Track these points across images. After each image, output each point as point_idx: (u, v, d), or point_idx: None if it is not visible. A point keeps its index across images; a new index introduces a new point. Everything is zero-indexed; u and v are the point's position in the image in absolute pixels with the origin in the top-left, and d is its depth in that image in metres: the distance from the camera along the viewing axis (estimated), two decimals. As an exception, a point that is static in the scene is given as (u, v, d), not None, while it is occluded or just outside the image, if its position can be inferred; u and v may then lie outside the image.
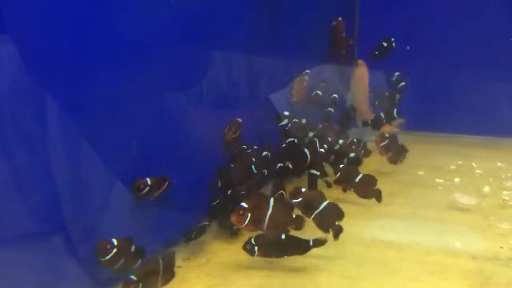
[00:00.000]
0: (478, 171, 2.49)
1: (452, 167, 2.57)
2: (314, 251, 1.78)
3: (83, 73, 1.35)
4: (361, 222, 2.01)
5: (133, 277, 1.37)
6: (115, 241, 1.39)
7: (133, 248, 1.45)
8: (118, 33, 1.46)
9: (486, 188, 2.25)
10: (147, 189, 1.56)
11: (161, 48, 1.65)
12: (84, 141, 1.39)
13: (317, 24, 2.84)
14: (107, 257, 1.36)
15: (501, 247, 1.77)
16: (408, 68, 3.01)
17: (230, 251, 1.78)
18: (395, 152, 2.52)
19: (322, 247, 1.76)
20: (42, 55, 1.25)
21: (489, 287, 1.54)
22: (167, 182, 1.63)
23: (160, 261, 1.46)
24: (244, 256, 1.65)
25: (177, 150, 1.77)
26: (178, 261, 1.64)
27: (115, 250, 1.38)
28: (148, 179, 1.57)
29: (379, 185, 2.14)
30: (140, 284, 1.36)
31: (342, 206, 2.09)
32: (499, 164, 2.55)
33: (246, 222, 1.62)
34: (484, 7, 2.93)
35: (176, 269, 1.55)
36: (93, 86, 1.39)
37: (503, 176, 2.40)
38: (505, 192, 2.22)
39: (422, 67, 3.03)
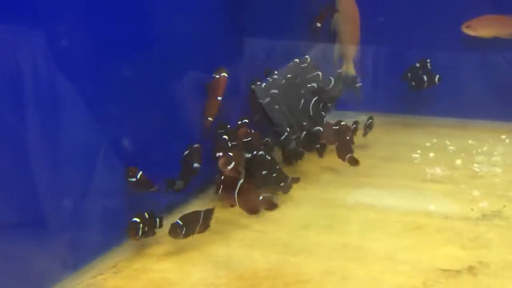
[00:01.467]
0: (451, 147, 2.68)
1: (428, 144, 2.75)
2: (305, 211, 1.97)
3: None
4: (344, 190, 2.18)
5: (180, 222, 1.61)
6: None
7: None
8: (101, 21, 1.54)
9: (458, 162, 2.45)
10: (135, 178, 1.65)
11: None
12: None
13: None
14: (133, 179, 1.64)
15: (472, 209, 1.95)
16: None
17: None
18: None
19: (307, 210, 1.96)
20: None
21: (460, 240, 1.72)
22: (154, 188, 1.73)
23: (202, 214, 1.69)
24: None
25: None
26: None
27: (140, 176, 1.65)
28: (141, 172, 1.66)
29: (360, 160, 2.33)
30: (184, 228, 1.60)
31: (328, 175, 2.28)
32: (470, 141, 2.75)
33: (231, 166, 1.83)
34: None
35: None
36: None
37: (474, 151, 2.60)
38: (475, 165, 2.41)
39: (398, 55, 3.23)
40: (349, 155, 2.30)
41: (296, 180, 2.16)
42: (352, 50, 2.91)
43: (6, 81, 1.25)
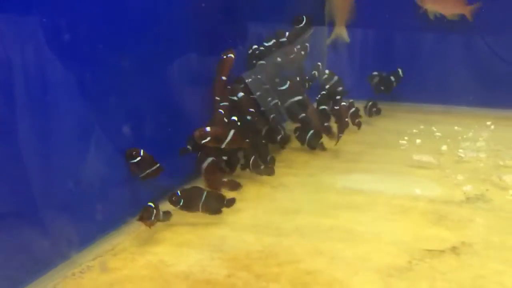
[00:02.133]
0: (437, 133, 2.76)
1: (415, 130, 2.82)
2: (296, 196, 2.04)
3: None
4: (334, 175, 2.25)
5: (179, 193, 1.73)
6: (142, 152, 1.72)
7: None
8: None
9: (444, 147, 2.52)
10: (138, 158, 1.71)
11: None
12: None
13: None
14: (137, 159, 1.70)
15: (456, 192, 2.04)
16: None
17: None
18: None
19: (298, 194, 2.03)
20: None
21: (444, 222, 1.80)
22: (158, 165, 1.78)
23: (204, 193, 1.76)
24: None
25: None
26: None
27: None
28: (142, 151, 1.73)
29: (348, 146, 2.49)
30: (182, 200, 1.70)
31: (318, 162, 2.35)
32: (456, 128, 2.83)
33: (207, 139, 1.91)
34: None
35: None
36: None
37: (459, 138, 2.68)
38: (460, 150, 2.49)
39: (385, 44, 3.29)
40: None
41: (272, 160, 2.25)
42: (344, 13, 2.85)
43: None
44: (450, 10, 2.95)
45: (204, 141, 1.92)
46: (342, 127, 2.50)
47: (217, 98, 2.16)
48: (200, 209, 1.76)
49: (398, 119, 3.12)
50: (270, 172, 2.17)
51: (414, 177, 2.22)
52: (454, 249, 1.61)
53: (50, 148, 1.45)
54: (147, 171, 1.76)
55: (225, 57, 2.18)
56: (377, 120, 3.05)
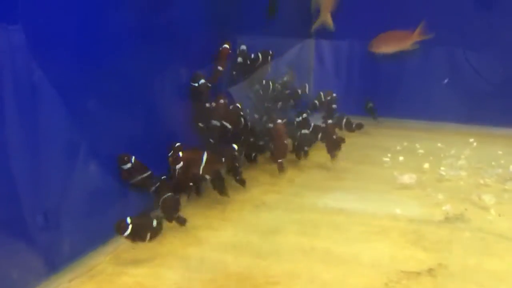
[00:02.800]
0: (420, 151, 2.78)
1: (398, 147, 2.85)
2: (277, 215, 2.04)
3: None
4: (316, 194, 2.26)
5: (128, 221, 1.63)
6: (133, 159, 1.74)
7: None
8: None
9: (426, 165, 2.54)
10: (129, 165, 1.74)
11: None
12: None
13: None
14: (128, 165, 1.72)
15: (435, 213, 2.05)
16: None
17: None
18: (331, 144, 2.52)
19: (280, 214, 2.04)
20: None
21: (422, 243, 1.81)
22: (150, 172, 1.81)
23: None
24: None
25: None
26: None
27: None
28: (133, 158, 1.75)
29: (335, 162, 2.51)
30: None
31: (302, 179, 2.36)
32: (439, 145, 2.85)
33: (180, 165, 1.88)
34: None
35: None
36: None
37: (442, 155, 2.70)
38: (442, 168, 2.50)
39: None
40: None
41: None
42: (329, 0, 2.81)
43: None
44: (397, 48, 3.00)
45: (178, 166, 1.90)
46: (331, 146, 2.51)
47: (209, 85, 2.20)
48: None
49: (382, 135, 3.15)
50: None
51: (395, 196, 2.24)
52: (430, 271, 1.63)
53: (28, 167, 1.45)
54: (138, 177, 1.78)
55: (221, 48, 2.25)
56: (361, 136, 3.07)
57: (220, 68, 2.26)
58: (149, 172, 1.81)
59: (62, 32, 1.50)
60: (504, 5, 3.06)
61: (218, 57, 2.27)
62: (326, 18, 2.81)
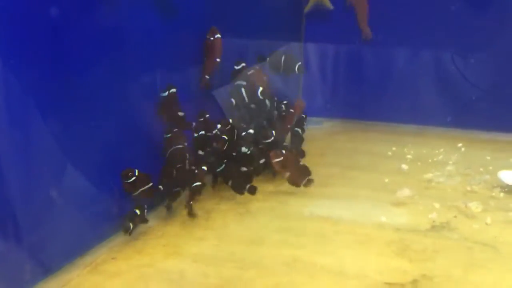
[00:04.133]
0: (408, 156, 2.75)
1: (389, 153, 2.82)
2: (262, 224, 2.01)
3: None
4: (302, 201, 2.23)
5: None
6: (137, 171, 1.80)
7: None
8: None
9: (414, 171, 2.52)
10: (133, 178, 1.78)
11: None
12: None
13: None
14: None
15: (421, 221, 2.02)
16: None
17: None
18: (295, 172, 2.28)
19: (267, 222, 2.00)
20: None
21: (408, 252, 1.78)
22: (151, 184, 1.84)
23: None
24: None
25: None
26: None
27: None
28: (136, 170, 1.79)
29: (320, 168, 2.44)
30: None
31: (288, 186, 2.32)
32: (427, 150, 2.82)
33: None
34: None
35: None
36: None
37: (430, 160, 2.67)
38: (430, 174, 2.48)
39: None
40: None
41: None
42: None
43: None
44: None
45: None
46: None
47: (206, 76, 2.22)
48: None
49: (371, 140, 3.11)
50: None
51: (381, 203, 2.21)
52: (414, 282, 1.60)
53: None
54: (141, 189, 1.83)
55: (212, 38, 2.21)
56: (350, 141, 3.04)
57: (217, 60, 2.21)
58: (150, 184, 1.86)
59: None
60: (494, 9, 3.04)
61: (211, 49, 2.21)
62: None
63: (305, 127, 2.76)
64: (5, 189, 1.41)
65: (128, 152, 1.89)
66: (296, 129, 2.67)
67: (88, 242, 1.72)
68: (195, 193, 2.03)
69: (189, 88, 2.23)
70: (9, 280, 1.44)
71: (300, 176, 2.27)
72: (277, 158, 2.22)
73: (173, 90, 2.05)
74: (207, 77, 2.21)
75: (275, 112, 2.62)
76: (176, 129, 2.08)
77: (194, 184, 2.02)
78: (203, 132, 2.21)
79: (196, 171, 2.06)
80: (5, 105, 1.38)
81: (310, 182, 2.28)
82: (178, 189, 2.03)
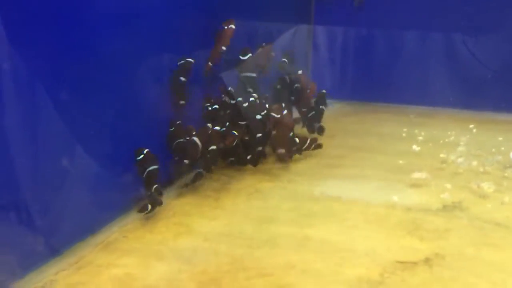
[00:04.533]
0: (420, 137, 2.73)
1: (399, 134, 2.80)
2: (272, 204, 2.00)
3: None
4: (312, 181, 2.22)
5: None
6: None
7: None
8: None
9: (426, 152, 2.50)
10: (142, 156, 1.82)
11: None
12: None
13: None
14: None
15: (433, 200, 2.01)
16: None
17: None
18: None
19: (277, 201, 2.00)
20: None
21: (419, 232, 1.77)
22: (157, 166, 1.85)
23: None
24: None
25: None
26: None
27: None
28: (147, 150, 1.83)
29: (330, 150, 2.47)
30: None
31: (297, 166, 2.30)
32: (438, 131, 2.81)
33: None
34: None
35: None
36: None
37: (441, 141, 2.66)
38: (442, 155, 2.46)
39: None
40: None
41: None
42: None
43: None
44: None
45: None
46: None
47: (209, 63, 2.23)
48: None
49: (381, 121, 3.10)
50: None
51: (392, 182, 2.20)
52: (427, 261, 1.59)
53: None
54: (147, 169, 1.84)
55: (226, 27, 2.23)
56: (360, 123, 3.03)
57: (223, 48, 2.23)
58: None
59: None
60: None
61: (220, 37, 2.23)
62: None
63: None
64: (18, 168, 1.41)
65: (142, 132, 1.89)
66: (321, 106, 2.71)
67: (100, 221, 1.73)
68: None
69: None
70: (23, 257, 1.44)
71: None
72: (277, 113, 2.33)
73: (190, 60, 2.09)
74: (210, 64, 2.22)
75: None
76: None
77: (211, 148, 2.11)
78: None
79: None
80: (18, 81, 1.37)
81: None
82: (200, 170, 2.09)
